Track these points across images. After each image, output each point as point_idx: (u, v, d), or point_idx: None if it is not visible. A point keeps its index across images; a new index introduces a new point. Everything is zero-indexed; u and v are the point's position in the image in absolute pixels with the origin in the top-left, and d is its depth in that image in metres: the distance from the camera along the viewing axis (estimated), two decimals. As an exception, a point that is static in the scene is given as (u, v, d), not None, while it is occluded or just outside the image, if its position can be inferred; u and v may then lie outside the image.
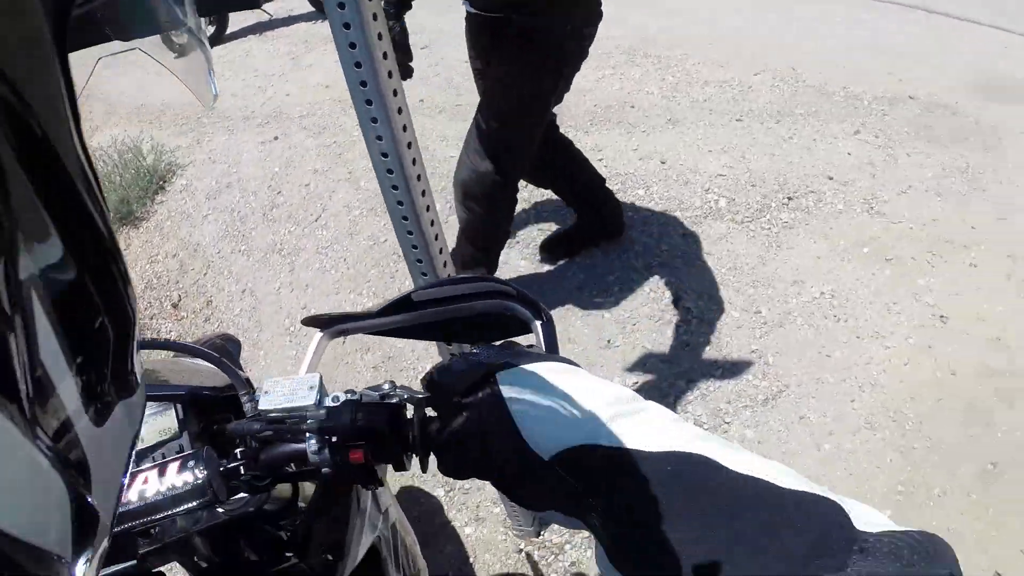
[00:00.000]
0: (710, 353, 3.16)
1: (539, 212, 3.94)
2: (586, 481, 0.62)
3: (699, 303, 3.36)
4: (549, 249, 3.59)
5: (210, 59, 0.62)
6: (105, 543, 0.41)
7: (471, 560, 2.65)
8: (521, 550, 2.60)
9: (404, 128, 1.33)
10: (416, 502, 2.80)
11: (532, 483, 0.68)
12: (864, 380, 2.99)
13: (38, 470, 0.32)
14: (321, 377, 0.85)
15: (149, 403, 0.94)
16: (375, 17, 1.17)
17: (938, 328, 3.18)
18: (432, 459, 0.81)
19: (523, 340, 0.92)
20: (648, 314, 3.33)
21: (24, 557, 0.30)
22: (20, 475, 0.31)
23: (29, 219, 0.32)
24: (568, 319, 3.34)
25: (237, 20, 8.12)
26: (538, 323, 0.92)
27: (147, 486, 0.83)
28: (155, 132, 6.14)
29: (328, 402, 0.82)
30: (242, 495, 0.87)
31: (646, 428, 0.62)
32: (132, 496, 0.82)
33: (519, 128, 2.84)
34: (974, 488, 2.63)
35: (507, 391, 0.69)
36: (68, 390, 0.35)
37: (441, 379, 0.76)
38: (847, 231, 3.65)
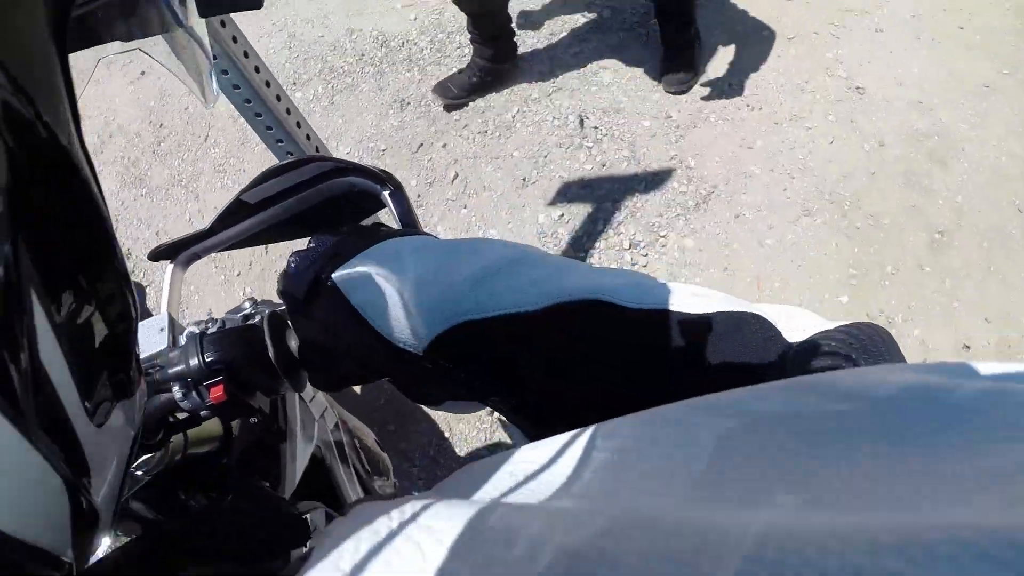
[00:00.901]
0: (629, 168, 3.12)
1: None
2: (470, 361, 0.57)
3: (605, 119, 3.30)
4: (442, 91, 3.47)
5: (211, 59, 0.61)
6: (106, 543, 0.43)
7: (447, 434, 2.65)
8: (492, 412, 2.60)
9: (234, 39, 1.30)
10: (379, 387, 2.77)
11: (415, 378, 0.63)
12: (792, 166, 2.99)
13: (38, 471, 0.32)
14: (170, 315, 0.83)
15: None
16: None
17: (856, 100, 3.16)
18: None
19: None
20: (557, 142, 3.26)
21: (24, 557, 0.30)
22: (19, 476, 0.30)
23: (29, 220, 0.31)
24: (479, 167, 3.26)
25: None
26: (386, 192, 0.86)
27: None
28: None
29: (182, 341, 0.78)
30: (147, 455, 0.79)
31: (520, 282, 0.55)
32: None
33: None
34: (926, 260, 2.65)
35: (348, 290, 0.62)
36: (67, 390, 0.35)
37: (285, 287, 0.69)
38: (745, 17, 3.57)
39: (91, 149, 2.89)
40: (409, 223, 0.83)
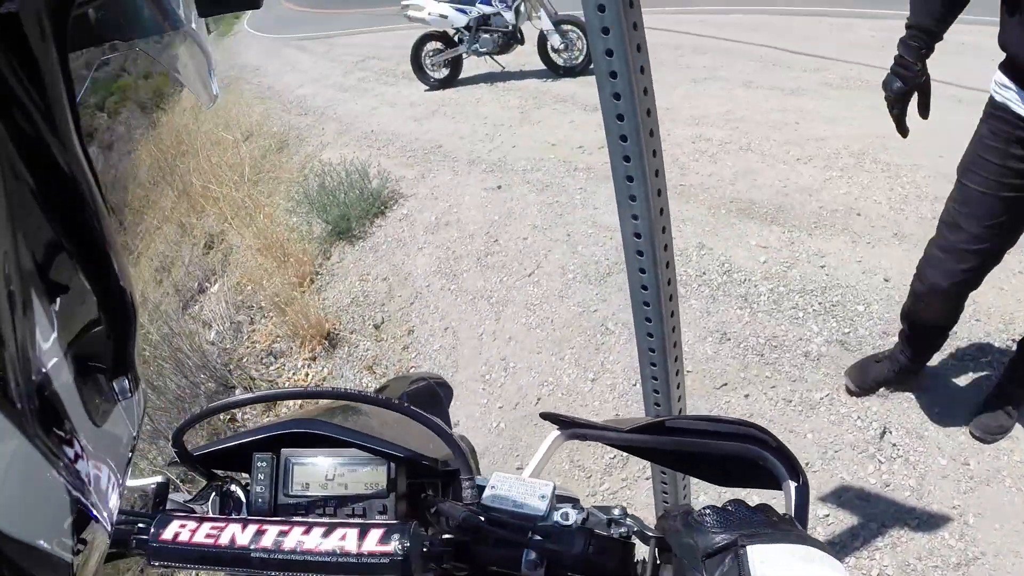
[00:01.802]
0: (908, 500, 2.99)
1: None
2: None
3: (906, 441, 3.18)
4: (858, 376, 3.43)
5: (211, 59, 0.61)
6: (105, 543, 0.40)
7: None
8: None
9: (661, 211, 1.27)
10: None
11: None
12: None
13: (38, 471, 0.32)
14: (555, 487, 0.83)
15: (362, 452, 0.95)
16: (645, 92, 1.13)
17: None
18: None
19: (766, 496, 0.87)
20: (852, 442, 3.18)
21: (24, 557, 0.30)
22: (21, 477, 0.30)
23: (29, 219, 0.32)
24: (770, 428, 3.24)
25: (471, 68, 8.50)
26: (792, 484, 0.86)
27: (344, 543, 0.80)
28: (383, 160, 6.48)
29: (557, 517, 0.80)
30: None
31: None
32: (326, 545, 0.80)
33: None
34: None
35: (755, 567, 0.64)
36: (68, 391, 0.35)
37: (685, 528, 0.71)
38: None
39: (427, 229, 3.11)
40: (801, 520, 0.83)
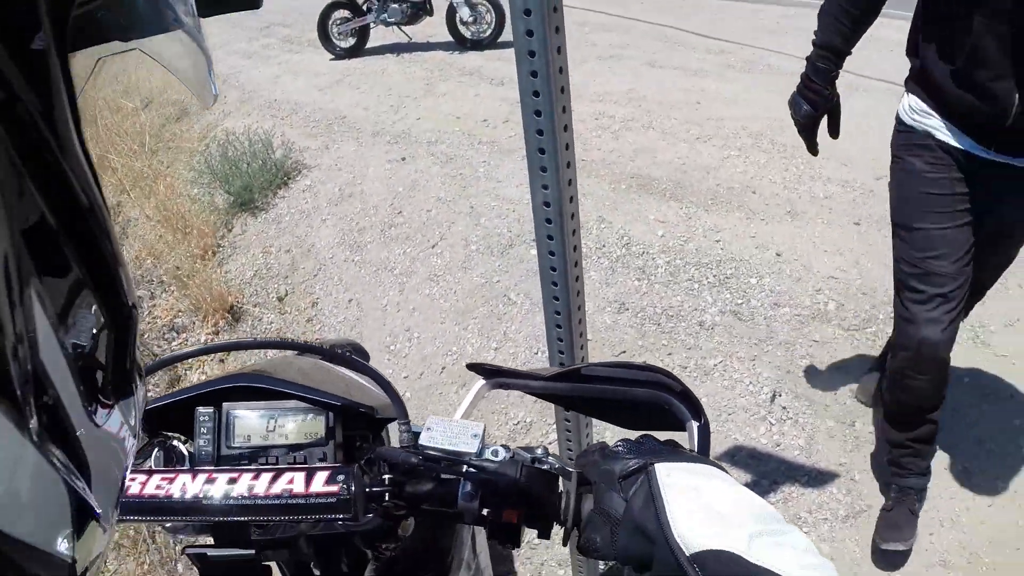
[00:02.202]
0: (798, 458, 3.15)
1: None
2: None
3: (795, 403, 3.36)
4: None
5: (210, 59, 0.60)
6: (106, 543, 0.40)
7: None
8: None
9: (569, 182, 1.35)
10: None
11: (665, 569, 0.69)
12: (945, 515, 2.95)
13: (38, 470, 0.32)
14: (485, 427, 0.89)
15: (301, 403, 0.99)
16: (560, 71, 1.18)
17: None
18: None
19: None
20: (744, 406, 3.34)
21: (24, 557, 0.30)
22: (19, 475, 0.31)
23: (29, 219, 0.32)
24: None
25: (377, 37, 8.42)
26: (695, 424, 0.94)
27: (291, 486, 0.85)
28: (287, 129, 6.39)
29: (488, 454, 0.86)
30: (369, 515, 0.90)
31: (786, 553, 0.64)
32: (275, 489, 0.84)
33: None
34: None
35: (663, 483, 0.73)
36: (68, 390, 0.35)
37: (603, 459, 0.81)
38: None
39: (330, 201, 3.11)
40: (704, 455, 0.90)
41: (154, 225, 5.65)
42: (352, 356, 1.04)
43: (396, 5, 8.03)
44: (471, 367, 1.08)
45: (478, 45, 7.86)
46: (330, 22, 8.44)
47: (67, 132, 0.36)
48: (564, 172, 1.30)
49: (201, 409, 0.98)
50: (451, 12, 7.80)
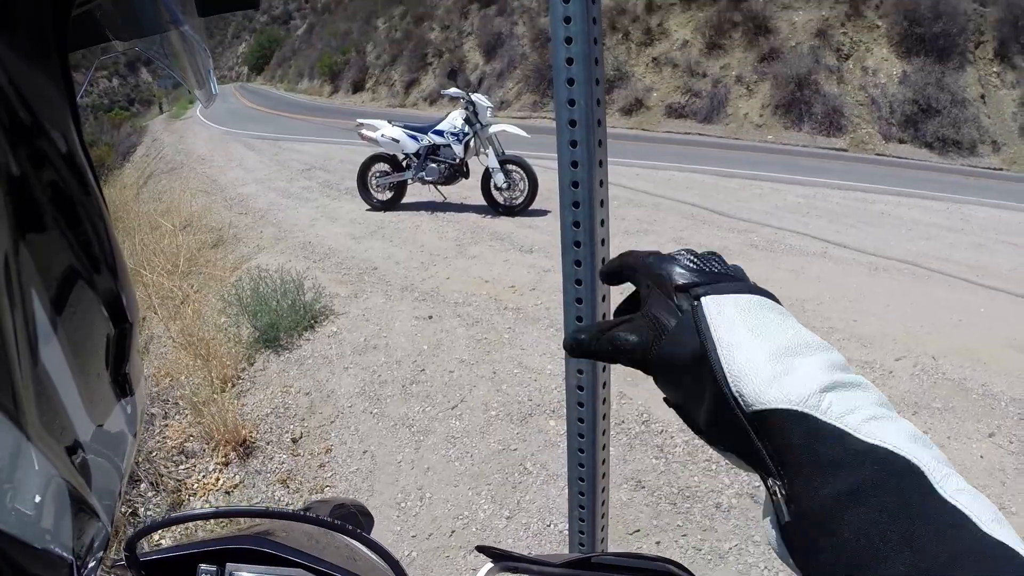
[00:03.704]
0: None
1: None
2: (782, 449, 0.51)
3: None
4: None
5: (209, 59, 0.60)
6: (106, 542, 0.40)
7: None
8: None
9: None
10: None
11: (722, 426, 0.56)
12: None
13: (39, 471, 0.32)
14: None
15: (305, 573, 0.93)
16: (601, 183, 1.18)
17: None
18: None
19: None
20: None
21: (25, 557, 0.30)
22: (21, 476, 0.30)
23: (30, 219, 0.32)
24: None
25: (413, 193, 8.79)
26: None
27: None
28: (319, 273, 6.60)
29: None
30: None
31: (858, 409, 0.51)
32: None
33: None
34: None
35: (725, 316, 0.57)
36: (68, 391, 0.35)
37: (658, 262, 0.66)
38: None
39: (355, 350, 3.17)
40: None
41: (176, 347, 5.76)
42: (355, 530, 0.99)
43: (434, 165, 8.42)
44: (481, 549, 0.99)
45: (510, 211, 8.19)
46: (370, 174, 8.85)
47: (68, 131, 0.37)
48: (600, 306, 1.28)
49: (204, 567, 0.93)
50: (486, 177, 8.18)
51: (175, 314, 6.45)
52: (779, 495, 0.52)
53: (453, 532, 3.59)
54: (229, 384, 5.23)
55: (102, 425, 0.41)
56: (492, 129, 8.07)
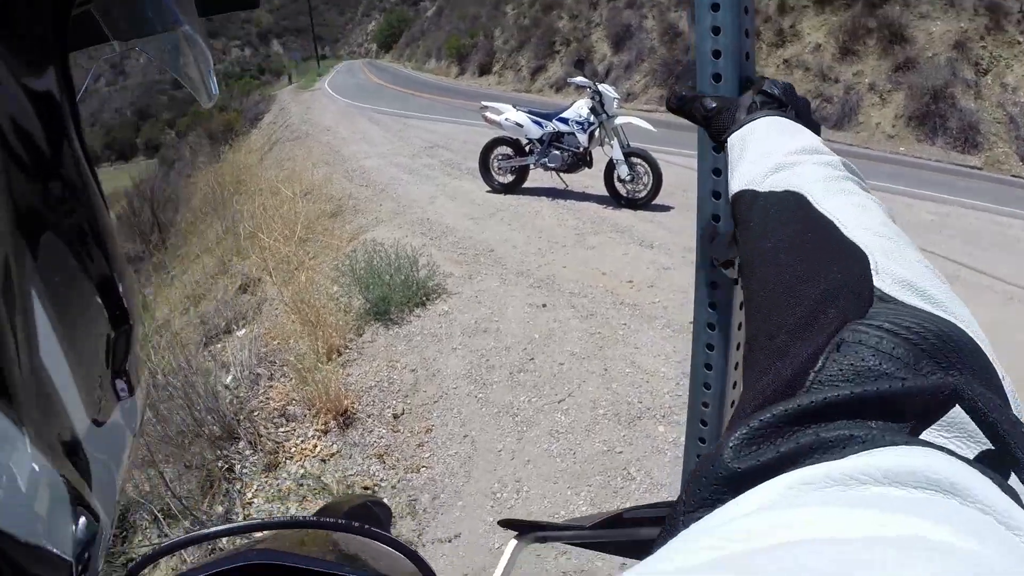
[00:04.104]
0: None
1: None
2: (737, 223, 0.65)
3: None
4: None
5: (209, 59, 0.61)
6: (105, 542, 0.40)
7: None
8: None
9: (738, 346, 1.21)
10: None
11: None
12: None
13: (38, 470, 0.32)
14: None
15: None
16: None
17: None
18: None
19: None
20: None
21: (24, 557, 0.30)
22: (20, 475, 0.30)
23: (29, 219, 0.32)
24: None
25: (535, 179, 8.66)
26: None
27: None
28: (434, 251, 6.54)
29: None
30: None
31: (787, 176, 0.62)
32: None
33: None
34: None
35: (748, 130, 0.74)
36: (68, 390, 0.35)
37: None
38: None
39: (464, 331, 3.06)
40: None
41: (287, 311, 5.80)
42: (370, 529, 0.92)
43: (557, 152, 8.27)
44: (503, 523, 0.98)
45: (632, 204, 7.95)
46: (492, 156, 8.79)
47: (68, 132, 0.36)
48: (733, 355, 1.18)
49: None
50: (610, 167, 7.96)
51: (289, 279, 6.52)
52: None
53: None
54: (335, 353, 5.22)
55: (102, 425, 0.40)
56: (618, 120, 7.84)
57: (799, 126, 0.73)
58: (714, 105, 0.81)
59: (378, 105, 20.29)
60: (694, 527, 0.32)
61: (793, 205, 0.56)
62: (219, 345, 6.33)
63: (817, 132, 0.76)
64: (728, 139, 0.76)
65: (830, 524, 0.26)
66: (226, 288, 7.74)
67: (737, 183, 0.66)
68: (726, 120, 0.79)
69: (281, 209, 8.61)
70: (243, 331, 6.37)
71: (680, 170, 8.93)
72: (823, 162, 0.62)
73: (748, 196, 0.63)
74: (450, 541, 3.46)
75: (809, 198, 0.55)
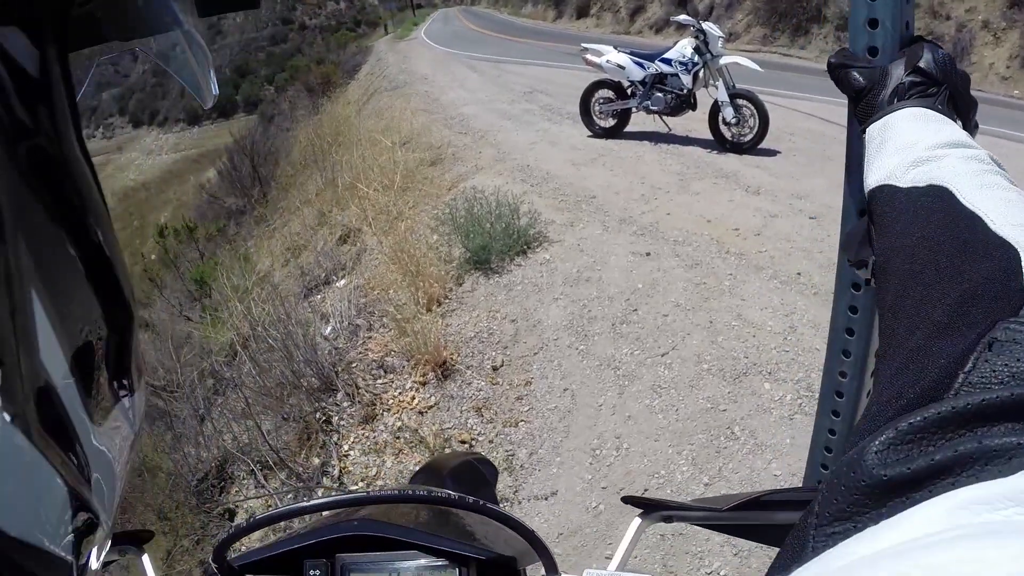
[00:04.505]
0: None
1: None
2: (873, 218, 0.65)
3: None
4: None
5: (209, 58, 0.59)
6: (106, 542, 0.40)
7: None
8: None
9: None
10: None
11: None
12: None
13: (38, 470, 0.32)
14: None
15: (428, 556, 0.85)
16: None
17: None
18: None
19: None
20: None
21: (24, 557, 0.30)
22: (20, 475, 0.30)
23: (28, 219, 0.32)
24: None
25: (637, 122, 8.43)
26: None
27: None
28: (535, 198, 6.44)
29: None
30: None
31: (930, 170, 0.60)
32: None
33: None
34: None
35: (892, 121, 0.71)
36: (68, 390, 0.35)
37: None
38: None
39: (566, 280, 2.94)
40: None
41: (387, 261, 5.81)
42: (483, 503, 0.85)
43: (660, 94, 7.99)
44: (626, 500, 0.94)
45: (738, 148, 7.63)
46: (593, 100, 8.59)
47: (67, 132, 0.37)
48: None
49: (311, 562, 0.84)
50: (715, 110, 7.66)
51: (389, 229, 6.53)
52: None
53: (646, 490, 3.34)
54: (435, 303, 5.20)
55: (102, 424, 0.40)
56: (723, 60, 7.51)
57: (943, 117, 0.69)
58: (863, 83, 0.76)
59: (475, 52, 20.15)
60: (841, 549, 0.30)
61: (936, 200, 0.55)
62: (319, 296, 6.42)
63: (974, 109, 0.74)
64: (867, 128, 0.72)
65: None
66: (326, 239, 7.84)
67: (875, 177, 0.65)
68: (871, 103, 0.75)
69: (380, 159, 8.63)
70: (343, 282, 6.44)
71: (787, 112, 8.52)
72: (969, 156, 0.61)
73: (887, 191, 0.62)
74: (547, 499, 3.41)
75: (955, 192, 0.54)
